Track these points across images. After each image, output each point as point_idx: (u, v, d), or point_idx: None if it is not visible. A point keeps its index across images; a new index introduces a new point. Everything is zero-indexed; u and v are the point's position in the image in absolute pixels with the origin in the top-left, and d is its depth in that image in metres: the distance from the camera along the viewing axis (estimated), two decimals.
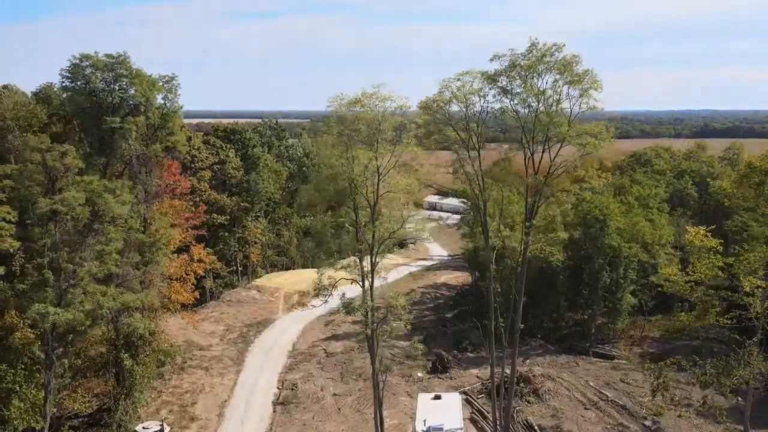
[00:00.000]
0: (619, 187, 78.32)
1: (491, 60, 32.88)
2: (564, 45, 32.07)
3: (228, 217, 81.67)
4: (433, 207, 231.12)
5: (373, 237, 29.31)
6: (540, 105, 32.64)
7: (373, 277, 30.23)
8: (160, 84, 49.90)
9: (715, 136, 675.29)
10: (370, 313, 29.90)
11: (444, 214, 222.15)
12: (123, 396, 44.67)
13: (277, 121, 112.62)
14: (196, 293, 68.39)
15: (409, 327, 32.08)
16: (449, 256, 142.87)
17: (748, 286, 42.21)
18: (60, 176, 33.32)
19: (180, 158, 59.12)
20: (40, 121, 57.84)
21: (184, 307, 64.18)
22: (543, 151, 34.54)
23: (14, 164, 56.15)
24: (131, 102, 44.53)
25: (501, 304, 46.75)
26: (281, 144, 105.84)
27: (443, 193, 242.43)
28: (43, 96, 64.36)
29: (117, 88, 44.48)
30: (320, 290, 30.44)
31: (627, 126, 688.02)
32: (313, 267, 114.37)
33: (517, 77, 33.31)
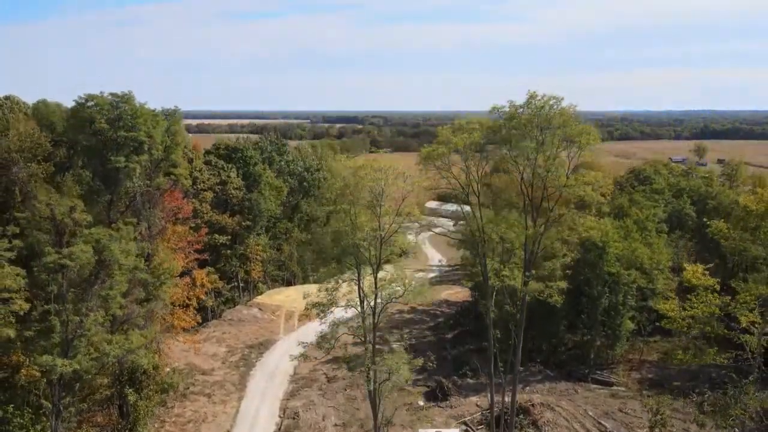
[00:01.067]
0: (618, 207, 78.94)
1: (491, 112, 33.40)
2: (562, 98, 32.61)
3: (230, 237, 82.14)
4: (433, 213, 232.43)
5: (376, 297, 29.91)
6: (539, 157, 33.13)
7: (375, 335, 30.79)
8: (163, 118, 50.55)
9: (715, 137, 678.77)
10: (372, 373, 30.50)
11: (444, 220, 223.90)
12: (127, 430, 45.21)
13: (277, 136, 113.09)
14: (198, 317, 69.15)
15: (410, 380, 32.60)
16: (449, 266, 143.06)
17: (745, 322, 42.87)
18: (68, 230, 33.78)
19: (182, 189, 59.55)
20: (45, 150, 58.51)
21: (186, 329, 64.83)
22: (542, 200, 35.03)
23: (18, 196, 56.85)
24: (135, 140, 44.94)
25: (501, 329, 47.41)
26: (282, 159, 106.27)
27: (444, 199, 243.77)
28: (46, 123, 65.09)
29: (121, 125, 44.90)
30: (323, 343, 31.00)
31: (627, 128, 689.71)
32: (313, 281, 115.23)
33: (517, 128, 33.79)
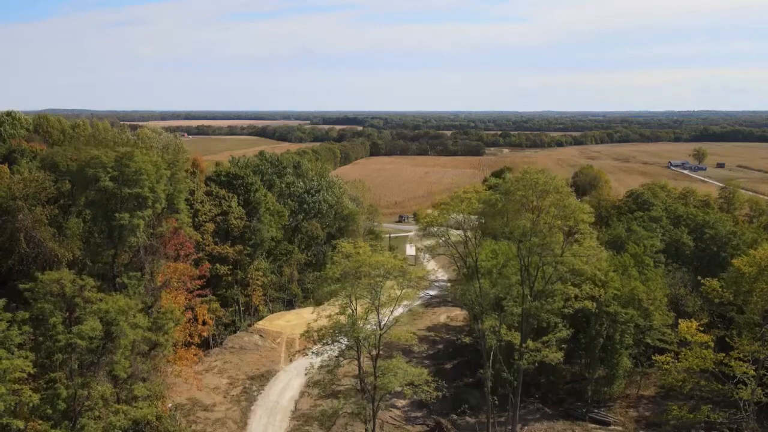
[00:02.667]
0: (616, 237, 79.72)
1: (488, 188, 34.08)
2: (555, 177, 33.31)
3: (231, 267, 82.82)
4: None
5: (375, 389, 30.62)
6: (533, 234, 33.83)
7: (375, 421, 31.54)
8: (165, 168, 51.25)
9: (715, 139, 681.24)
10: None
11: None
12: None
13: (278, 158, 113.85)
14: (201, 353, 69.87)
15: None
16: (449, 282, 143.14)
17: (739, 372, 43.60)
18: (78, 307, 34.41)
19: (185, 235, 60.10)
20: (48, 194, 59.32)
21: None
22: (538, 269, 35.70)
23: (23, 242, 57.44)
24: (139, 196, 45.62)
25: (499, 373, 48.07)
26: (282, 181, 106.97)
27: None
28: (49, 163, 65.75)
29: (124, 181, 45.56)
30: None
31: (627, 130, 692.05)
32: (313, 299, 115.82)
33: (513, 201, 34.47)
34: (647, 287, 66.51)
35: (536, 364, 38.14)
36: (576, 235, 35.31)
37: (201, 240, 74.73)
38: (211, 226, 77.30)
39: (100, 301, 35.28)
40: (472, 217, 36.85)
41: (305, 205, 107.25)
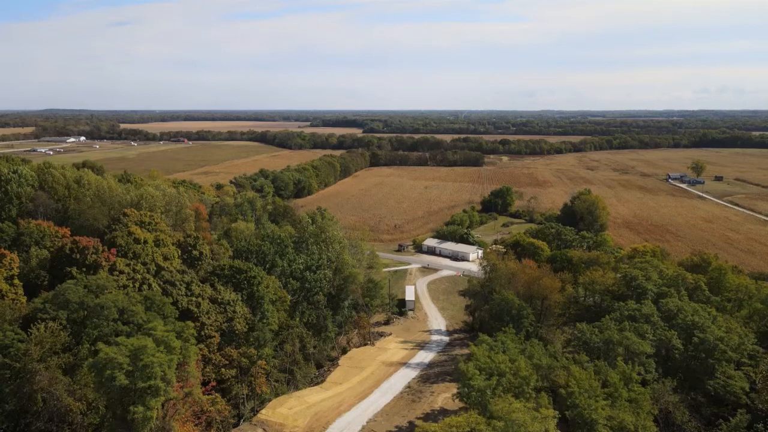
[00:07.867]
0: (608, 341, 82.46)
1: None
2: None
3: (236, 369, 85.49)
4: (432, 251, 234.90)
5: None
6: None
7: None
8: (176, 336, 53.88)
9: (714, 145, 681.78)
10: None
11: (443, 260, 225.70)
12: None
13: (280, 236, 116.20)
14: None
15: None
16: (447, 332, 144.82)
17: None
18: None
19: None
20: (64, 344, 62.17)
21: None
22: None
23: (40, 402, 60.17)
24: (152, 386, 48.26)
25: None
26: (284, 260, 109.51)
27: (442, 237, 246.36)
28: (62, 301, 68.39)
29: (138, 370, 48.21)
30: None
31: (625, 136, 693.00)
32: (315, 360, 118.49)
33: None
34: (635, 409, 69.41)
35: None
36: None
37: (208, 355, 77.49)
38: (217, 339, 79.91)
39: None
40: None
41: (306, 284, 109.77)
